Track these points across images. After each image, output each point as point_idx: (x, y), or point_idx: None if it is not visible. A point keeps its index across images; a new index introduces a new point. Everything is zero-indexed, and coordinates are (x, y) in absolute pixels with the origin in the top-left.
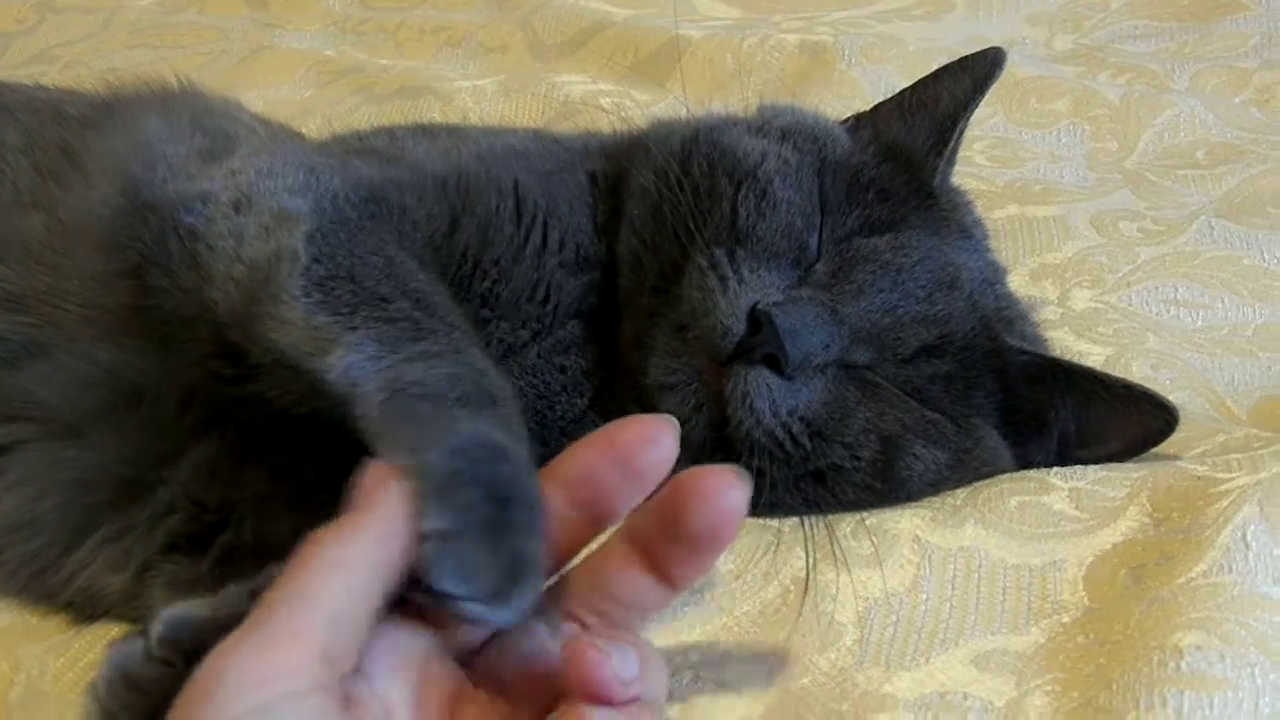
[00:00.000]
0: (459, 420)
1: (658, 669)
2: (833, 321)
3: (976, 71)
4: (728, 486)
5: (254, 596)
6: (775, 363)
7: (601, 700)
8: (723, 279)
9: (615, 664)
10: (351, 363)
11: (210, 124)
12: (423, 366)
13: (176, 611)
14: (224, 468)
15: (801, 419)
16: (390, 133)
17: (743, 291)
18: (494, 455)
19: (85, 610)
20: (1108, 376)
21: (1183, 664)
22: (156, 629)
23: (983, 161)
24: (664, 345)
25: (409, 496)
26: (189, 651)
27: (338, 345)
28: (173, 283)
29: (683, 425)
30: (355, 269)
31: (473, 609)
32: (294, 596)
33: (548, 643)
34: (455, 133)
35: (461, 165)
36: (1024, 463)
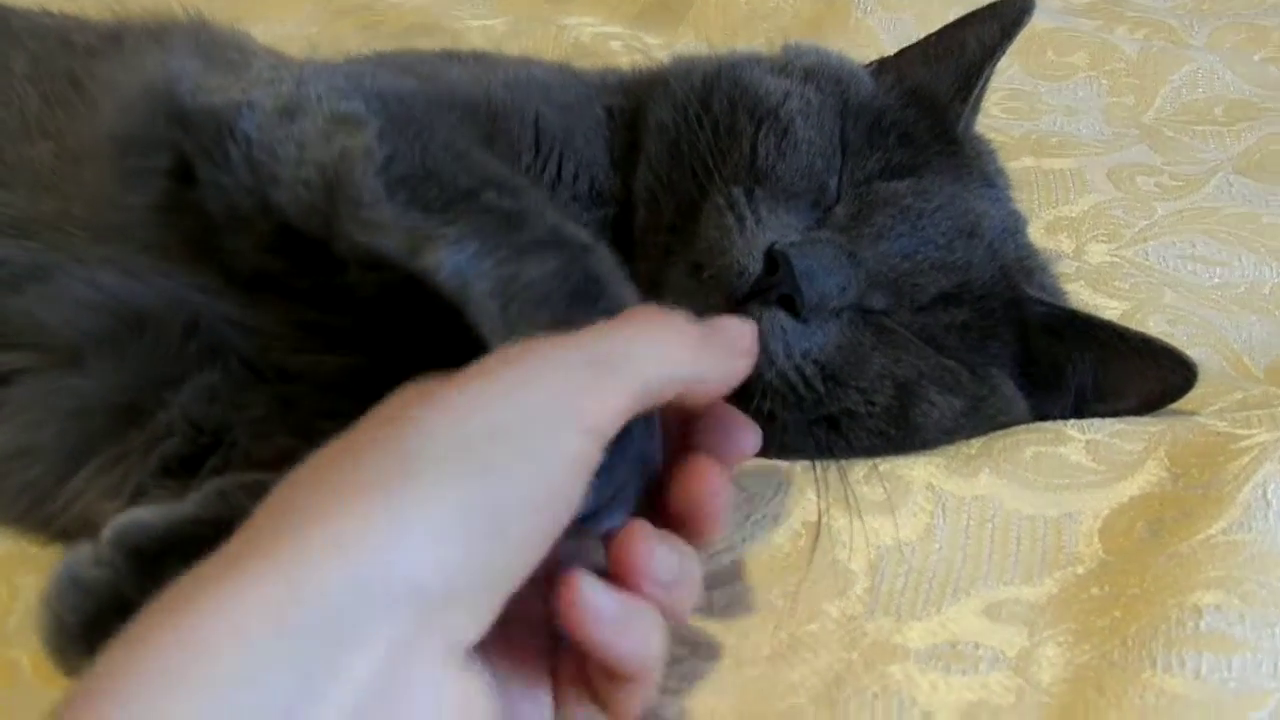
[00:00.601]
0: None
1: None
2: (850, 264)
3: (1004, 18)
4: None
5: (223, 496)
6: (790, 304)
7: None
8: (740, 218)
9: (659, 558)
10: (458, 261)
11: (217, 54)
12: (532, 262)
13: (126, 517)
14: (225, 392)
15: (816, 362)
16: (415, 54)
17: (760, 231)
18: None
19: (81, 537)
20: (1127, 330)
21: (1201, 623)
22: (105, 533)
23: (998, 113)
24: (678, 285)
25: None
26: (134, 554)
27: (438, 243)
28: (232, 180)
29: None
30: (432, 164)
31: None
32: None
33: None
34: (483, 59)
35: (491, 91)
36: (1040, 414)
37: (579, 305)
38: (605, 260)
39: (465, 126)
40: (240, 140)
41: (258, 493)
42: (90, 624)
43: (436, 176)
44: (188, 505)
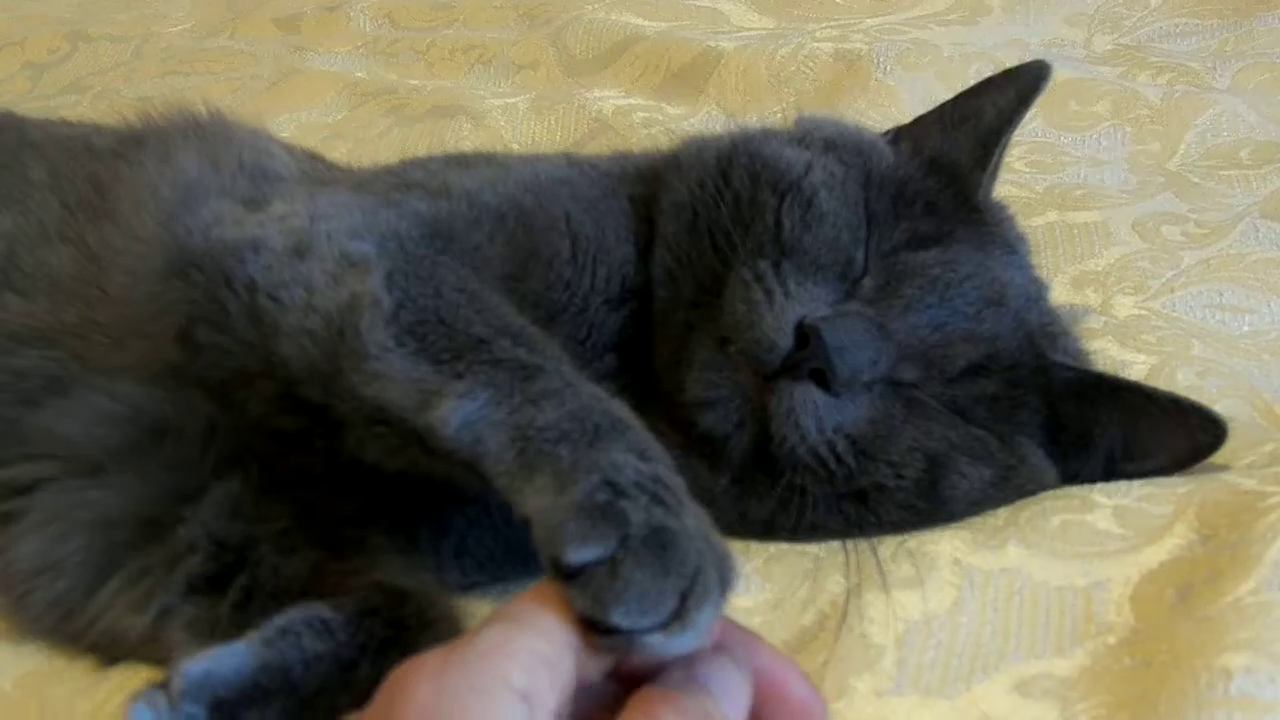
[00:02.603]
0: (600, 453)
1: None
2: (881, 338)
3: (1021, 84)
4: None
5: (287, 635)
6: (822, 378)
7: None
8: (768, 291)
9: None
10: (468, 413)
11: (249, 160)
12: (548, 408)
13: (197, 666)
14: (246, 504)
15: (847, 436)
16: (424, 165)
17: (789, 305)
18: (646, 478)
19: (108, 652)
20: (1154, 391)
21: (1231, 687)
22: (177, 682)
23: (1022, 167)
24: (704, 359)
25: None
26: (213, 707)
27: (447, 397)
28: (232, 339)
29: (724, 443)
30: (443, 310)
31: (652, 641)
32: None
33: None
34: (492, 161)
35: (515, 197)
36: (1069, 478)
37: (603, 440)
38: (626, 408)
39: (496, 248)
40: (241, 288)
41: (319, 631)
42: None
43: (447, 324)
44: (256, 647)
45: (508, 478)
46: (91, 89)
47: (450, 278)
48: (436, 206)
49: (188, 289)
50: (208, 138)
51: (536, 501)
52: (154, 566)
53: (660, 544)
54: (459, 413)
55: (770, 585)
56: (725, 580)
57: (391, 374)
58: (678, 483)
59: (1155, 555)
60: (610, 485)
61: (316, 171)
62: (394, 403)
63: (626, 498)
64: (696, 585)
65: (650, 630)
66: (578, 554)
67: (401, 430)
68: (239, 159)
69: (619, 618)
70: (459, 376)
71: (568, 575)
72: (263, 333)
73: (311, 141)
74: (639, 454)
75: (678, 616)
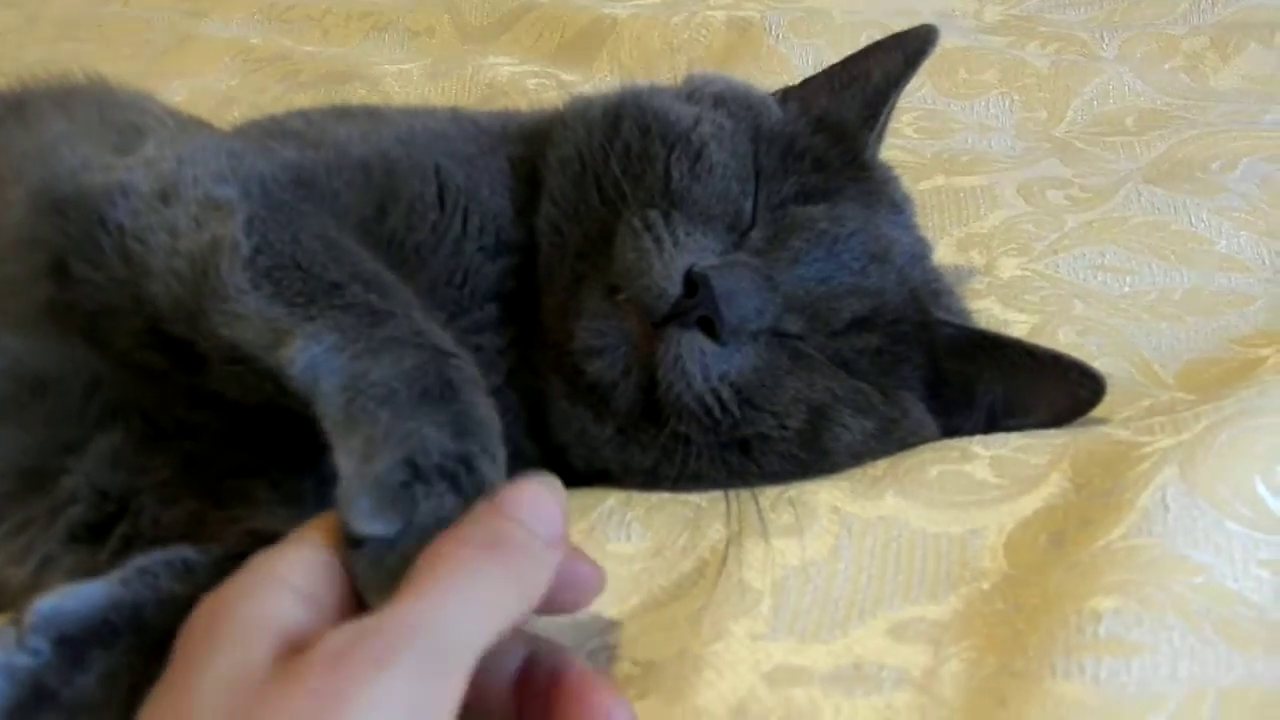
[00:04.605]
0: (416, 424)
1: None
2: (768, 288)
3: (908, 48)
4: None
5: (144, 575)
6: (709, 327)
7: None
8: (658, 240)
9: None
10: (313, 355)
11: (118, 117)
12: (386, 361)
13: (48, 603)
14: (128, 454)
15: (732, 385)
16: (305, 115)
17: (678, 253)
18: (452, 460)
19: None
20: (1035, 347)
21: (1100, 629)
22: (28, 618)
23: (911, 133)
24: (593, 308)
25: None
26: (60, 641)
27: (296, 337)
28: (104, 275)
29: (610, 390)
30: (299, 255)
31: None
32: None
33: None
34: (373, 114)
35: (384, 148)
36: (951, 433)
37: (426, 407)
38: (465, 368)
39: (355, 194)
40: (113, 229)
41: (179, 572)
42: (13, 712)
43: (303, 269)
44: (111, 586)
45: (331, 425)
46: None
47: (310, 224)
48: (305, 155)
49: (59, 225)
50: (85, 100)
51: (344, 462)
52: (36, 517)
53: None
54: (305, 353)
55: (651, 533)
56: None
57: (248, 314)
58: (485, 466)
59: (1030, 504)
60: (412, 466)
61: (199, 130)
62: (250, 342)
63: (424, 483)
64: None
65: None
66: (362, 528)
67: (257, 368)
68: (108, 118)
69: (382, 601)
70: (310, 319)
71: (352, 541)
72: (133, 272)
73: (205, 107)
74: (455, 429)
75: None
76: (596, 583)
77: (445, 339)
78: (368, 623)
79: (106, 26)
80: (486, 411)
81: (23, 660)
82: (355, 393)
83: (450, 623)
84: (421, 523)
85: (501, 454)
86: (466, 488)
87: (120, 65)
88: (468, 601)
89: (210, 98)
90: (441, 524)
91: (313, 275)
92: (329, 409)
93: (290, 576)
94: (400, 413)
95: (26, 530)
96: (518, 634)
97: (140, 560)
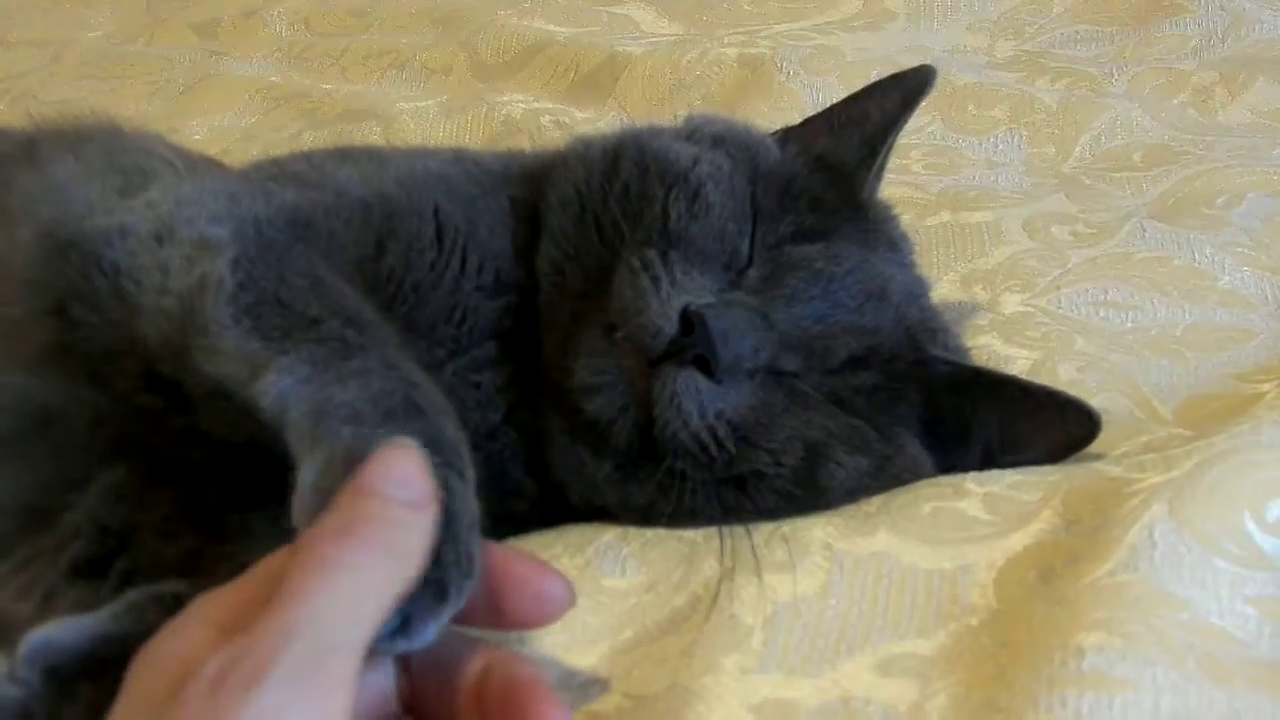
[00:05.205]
0: (378, 440)
1: None
2: (764, 326)
3: (906, 88)
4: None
5: (133, 609)
6: (705, 365)
7: None
8: (655, 279)
9: None
10: (284, 386)
11: (125, 161)
12: (354, 386)
13: (40, 635)
14: (130, 490)
15: (728, 422)
16: (308, 158)
17: (675, 292)
18: None
19: None
20: (1030, 384)
21: (1084, 664)
22: (20, 649)
23: (919, 169)
24: (590, 346)
25: None
26: (49, 674)
27: (269, 370)
28: (100, 318)
29: (608, 428)
30: (282, 292)
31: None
32: None
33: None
34: (375, 156)
35: (383, 189)
36: (947, 469)
37: (391, 425)
38: (433, 396)
39: (353, 233)
40: (108, 270)
41: (168, 606)
42: None
43: (284, 305)
44: (101, 620)
45: (298, 445)
46: (9, 93)
47: (298, 263)
48: (304, 196)
49: (62, 268)
50: (90, 143)
51: (304, 475)
52: (40, 553)
53: None
54: (277, 385)
55: (645, 568)
56: (445, 592)
57: (227, 349)
58: (453, 481)
59: (1020, 540)
60: None
61: (208, 170)
62: (229, 376)
63: None
64: (425, 595)
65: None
66: None
67: (237, 404)
68: (117, 162)
69: None
70: (284, 353)
71: None
72: (126, 313)
73: (224, 144)
74: (421, 445)
75: (401, 628)
76: (563, 597)
77: (416, 372)
78: (241, 641)
79: (128, 65)
80: (455, 434)
81: (12, 691)
82: (321, 415)
83: (321, 621)
84: None
85: (470, 473)
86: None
87: (141, 104)
88: (335, 595)
89: (230, 135)
90: None
91: (293, 311)
92: (296, 433)
93: (212, 612)
94: (364, 430)
95: (31, 566)
96: (475, 643)
97: (131, 595)
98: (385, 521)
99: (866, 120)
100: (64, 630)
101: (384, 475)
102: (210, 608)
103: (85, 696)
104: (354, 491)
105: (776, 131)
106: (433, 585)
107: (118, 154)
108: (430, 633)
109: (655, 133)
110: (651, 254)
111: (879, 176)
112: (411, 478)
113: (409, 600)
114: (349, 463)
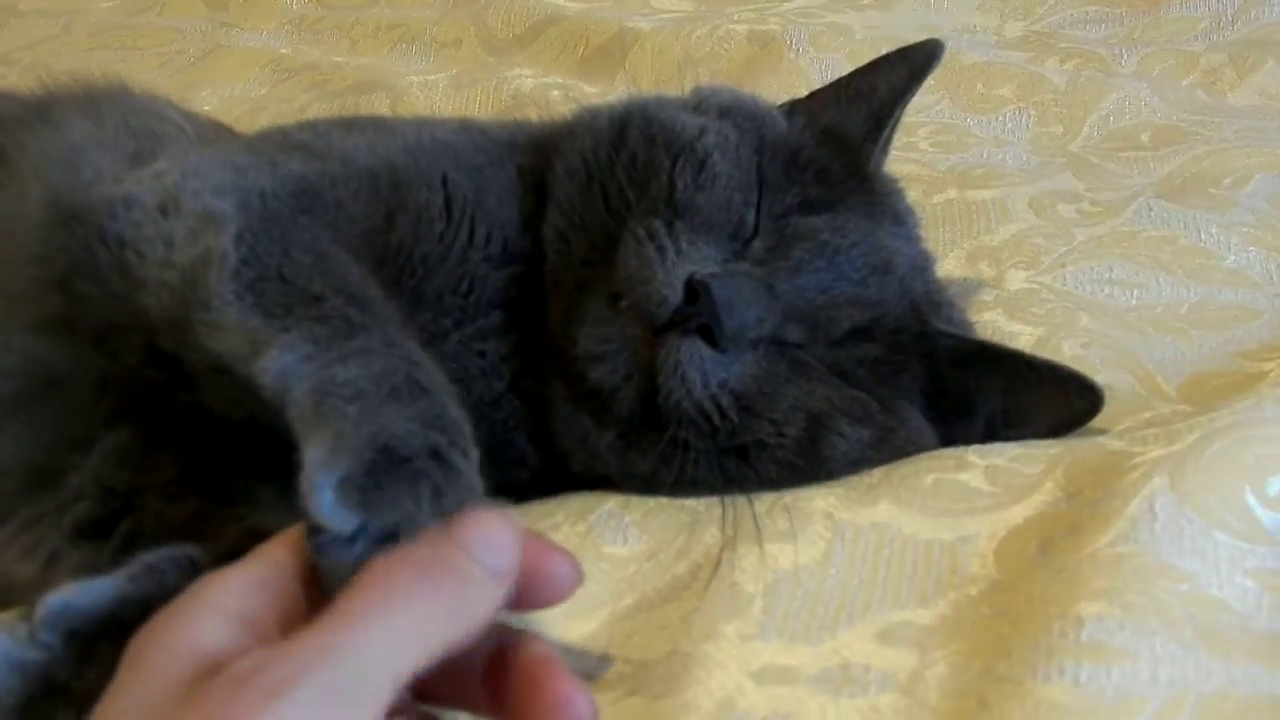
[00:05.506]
0: (385, 419)
1: None
2: (768, 296)
3: (914, 62)
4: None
5: (152, 572)
6: (709, 334)
7: None
8: (660, 248)
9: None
10: (285, 364)
11: (137, 124)
12: (355, 365)
13: (58, 598)
14: (135, 453)
15: (731, 391)
16: (314, 127)
17: (680, 262)
18: (419, 451)
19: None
20: (1034, 359)
21: (1083, 634)
22: (38, 612)
23: (926, 147)
24: (595, 315)
25: None
26: (69, 636)
27: (271, 347)
28: (103, 290)
29: (612, 396)
30: (285, 268)
31: None
32: None
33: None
34: (382, 125)
35: (391, 159)
36: (950, 442)
37: (394, 404)
38: (435, 375)
39: (361, 204)
40: (112, 242)
41: (185, 569)
42: (24, 706)
43: (287, 281)
44: (119, 582)
45: (300, 424)
46: (20, 63)
47: (302, 237)
48: (310, 167)
49: (68, 240)
50: (104, 104)
51: (311, 454)
52: (44, 514)
53: (396, 537)
54: (278, 363)
55: (647, 537)
56: None
57: (228, 325)
58: (457, 459)
59: (1021, 512)
60: (380, 456)
61: (217, 136)
62: (229, 352)
63: (392, 474)
64: None
65: None
66: (326, 520)
67: (238, 380)
68: (130, 124)
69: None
70: (286, 330)
71: (313, 529)
72: (129, 286)
73: (233, 115)
74: (425, 424)
75: None
76: (570, 576)
77: (418, 350)
78: (277, 648)
79: (139, 35)
80: (457, 412)
81: (34, 655)
82: (324, 394)
83: (369, 649)
84: (389, 515)
85: (474, 453)
86: (437, 479)
87: (151, 74)
88: (392, 628)
89: (239, 106)
90: (409, 517)
91: (295, 287)
92: (298, 411)
93: (224, 599)
94: (368, 408)
95: (35, 526)
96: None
97: (148, 557)
98: (464, 578)
99: (874, 93)
100: (82, 593)
101: (480, 536)
102: (220, 593)
103: (107, 658)
104: (445, 538)
105: (784, 104)
106: None
107: (130, 116)
108: None
109: (662, 103)
110: (657, 223)
111: (885, 150)
112: (505, 551)
113: None
114: (354, 440)
